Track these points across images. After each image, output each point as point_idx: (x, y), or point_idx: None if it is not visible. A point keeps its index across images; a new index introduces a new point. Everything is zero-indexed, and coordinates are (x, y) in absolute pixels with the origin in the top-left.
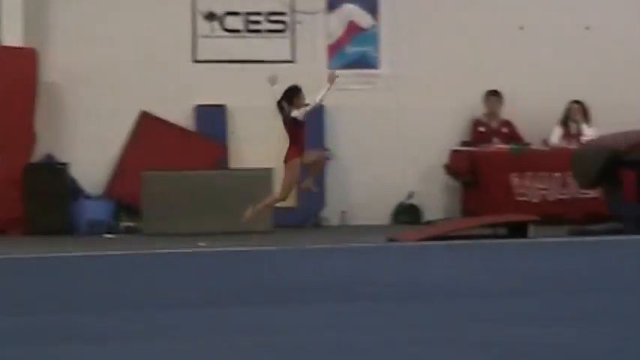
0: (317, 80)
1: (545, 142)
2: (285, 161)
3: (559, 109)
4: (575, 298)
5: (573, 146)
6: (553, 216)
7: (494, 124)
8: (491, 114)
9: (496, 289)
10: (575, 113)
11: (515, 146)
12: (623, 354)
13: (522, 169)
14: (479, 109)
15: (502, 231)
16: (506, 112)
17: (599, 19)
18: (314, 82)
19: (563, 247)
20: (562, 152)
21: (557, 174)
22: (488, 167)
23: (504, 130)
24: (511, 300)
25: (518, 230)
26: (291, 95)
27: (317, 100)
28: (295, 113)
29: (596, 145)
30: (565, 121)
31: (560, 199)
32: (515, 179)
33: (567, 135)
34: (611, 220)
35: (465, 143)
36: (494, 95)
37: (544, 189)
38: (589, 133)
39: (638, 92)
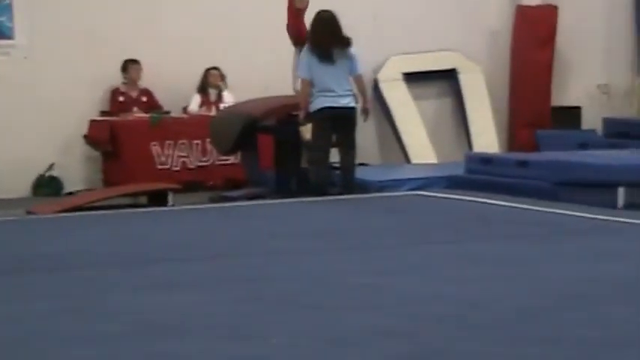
0: None
1: (185, 109)
2: None
3: (197, 76)
4: (212, 263)
5: (212, 113)
6: (194, 183)
7: (133, 94)
8: (131, 83)
9: (133, 256)
10: (214, 80)
11: (154, 115)
12: (242, 317)
13: (163, 138)
14: (118, 78)
15: (142, 200)
16: (146, 80)
17: None
18: None
19: (202, 213)
20: (201, 119)
21: (196, 141)
22: (128, 137)
23: (144, 99)
24: (147, 267)
25: (158, 199)
26: None
27: None
28: None
29: (233, 112)
30: (203, 88)
31: (201, 167)
32: (155, 148)
33: (207, 102)
34: (250, 186)
35: (104, 113)
36: (133, 64)
37: (184, 157)
38: (228, 99)
39: (273, 58)
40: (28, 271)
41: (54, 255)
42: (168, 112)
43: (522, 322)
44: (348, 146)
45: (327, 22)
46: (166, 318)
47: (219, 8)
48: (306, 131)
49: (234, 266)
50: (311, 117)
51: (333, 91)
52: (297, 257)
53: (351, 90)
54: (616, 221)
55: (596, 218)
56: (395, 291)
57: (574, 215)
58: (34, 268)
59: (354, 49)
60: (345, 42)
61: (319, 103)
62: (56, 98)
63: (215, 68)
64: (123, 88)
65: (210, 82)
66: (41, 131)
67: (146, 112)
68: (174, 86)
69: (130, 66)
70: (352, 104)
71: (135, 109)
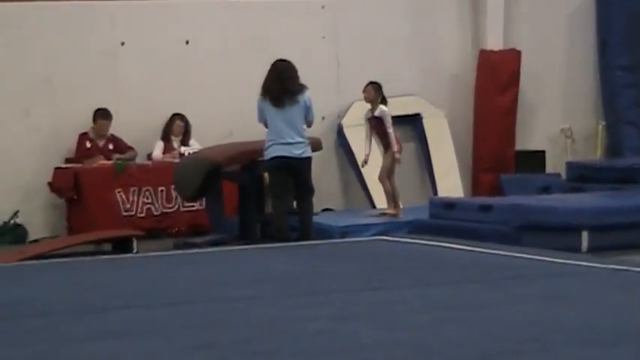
0: None
1: (149, 156)
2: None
3: (160, 122)
4: (171, 310)
5: (177, 160)
6: (158, 230)
7: (101, 142)
8: (100, 133)
9: (93, 304)
10: (178, 127)
11: (118, 162)
12: None
13: (127, 185)
14: (81, 126)
15: (106, 247)
16: (112, 127)
17: (197, 33)
18: None
19: (165, 259)
20: (166, 166)
21: (161, 188)
22: (93, 184)
23: (110, 146)
24: (106, 315)
25: (122, 246)
26: None
27: None
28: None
29: (196, 158)
30: (167, 135)
31: (166, 213)
32: (120, 195)
33: (171, 148)
34: (214, 232)
35: (69, 160)
36: (103, 119)
37: (149, 203)
38: (193, 146)
39: (237, 103)
40: None
41: (14, 303)
42: (132, 159)
43: None
44: (304, 193)
45: (280, 71)
46: None
47: (180, 53)
48: None
49: (192, 313)
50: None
51: (285, 138)
52: (255, 303)
53: (304, 139)
54: (578, 265)
55: (557, 262)
56: (350, 336)
57: (535, 259)
58: None
59: (307, 96)
60: (295, 91)
61: (272, 151)
62: (19, 146)
63: (180, 115)
64: (91, 134)
65: (174, 130)
66: (5, 179)
67: (111, 159)
68: (137, 133)
69: (98, 120)
70: (306, 154)
71: (100, 156)
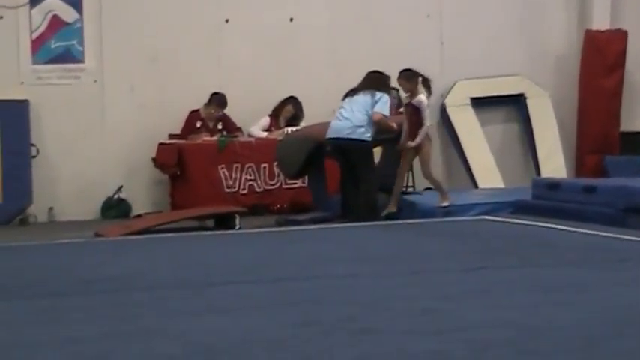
0: (20, 76)
1: (252, 134)
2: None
3: (264, 100)
4: (275, 287)
5: (279, 137)
6: (261, 206)
7: (210, 123)
8: (210, 118)
9: (196, 279)
10: (288, 111)
11: (222, 139)
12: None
13: (230, 161)
14: (185, 103)
15: (209, 223)
16: None
17: (301, 11)
18: (17, 78)
19: (267, 236)
20: (269, 143)
21: (264, 165)
22: (196, 160)
23: (220, 126)
24: (209, 290)
25: (225, 222)
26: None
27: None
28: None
29: (300, 136)
30: (276, 114)
31: (268, 190)
32: (223, 171)
33: (275, 126)
34: (316, 210)
35: (173, 136)
36: (216, 106)
37: (251, 180)
38: (300, 125)
39: (340, 81)
40: (91, 293)
41: (118, 277)
42: (235, 136)
43: (584, 350)
44: (358, 178)
45: (366, 77)
46: (227, 342)
47: (283, 31)
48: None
49: (296, 289)
50: None
51: (341, 115)
52: (359, 281)
53: (362, 123)
54: None
55: None
56: (454, 316)
57: None
58: (98, 290)
59: (384, 96)
60: (371, 86)
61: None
62: (125, 121)
63: (293, 99)
64: (203, 113)
65: (283, 112)
66: (110, 154)
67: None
68: (240, 110)
69: (213, 105)
70: (353, 136)
71: (206, 134)
